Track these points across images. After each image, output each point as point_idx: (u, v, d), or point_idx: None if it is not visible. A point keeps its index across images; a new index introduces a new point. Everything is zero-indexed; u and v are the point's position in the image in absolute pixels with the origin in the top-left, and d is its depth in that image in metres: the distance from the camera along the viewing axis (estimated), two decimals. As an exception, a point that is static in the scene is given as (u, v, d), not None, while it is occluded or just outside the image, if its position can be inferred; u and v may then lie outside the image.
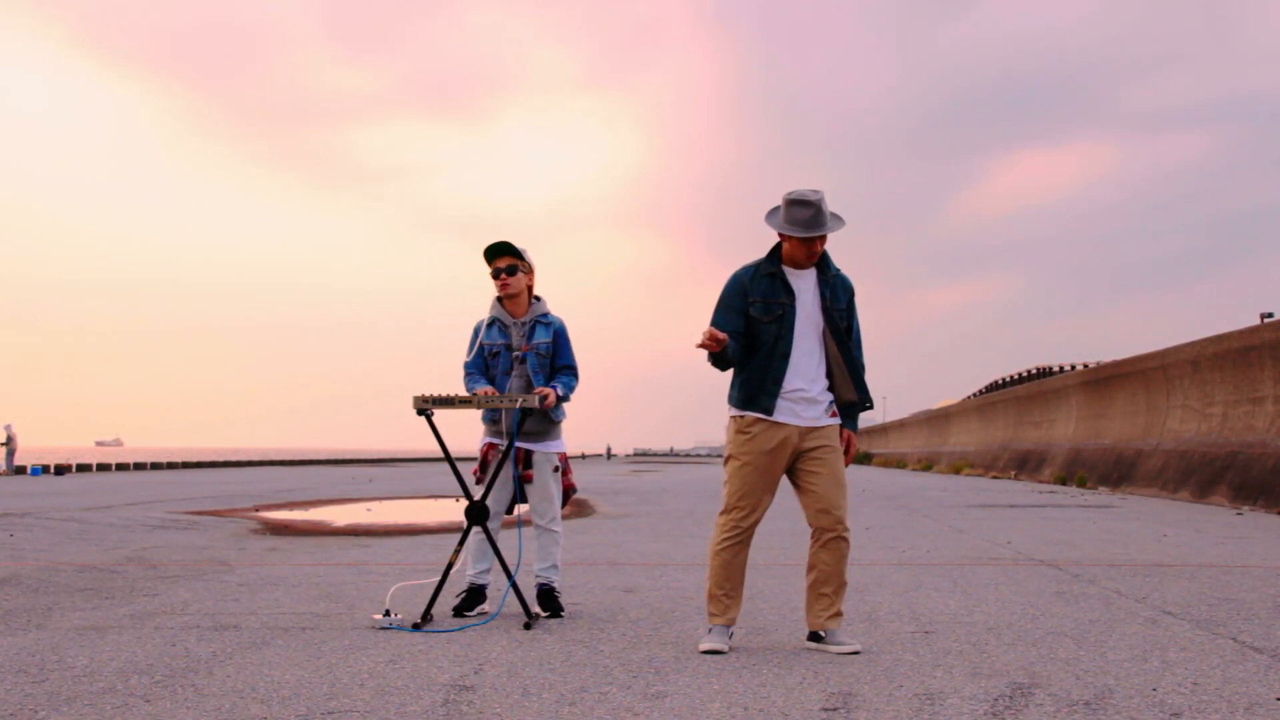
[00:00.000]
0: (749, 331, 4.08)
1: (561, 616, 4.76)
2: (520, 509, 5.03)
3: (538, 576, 4.89)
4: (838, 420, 4.14)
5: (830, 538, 4.04)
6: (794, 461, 4.08)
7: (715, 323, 4.10)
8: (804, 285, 4.11)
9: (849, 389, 4.13)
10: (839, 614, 4.04)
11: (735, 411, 4.13)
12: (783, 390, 4.03)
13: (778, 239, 4.12)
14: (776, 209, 4.07)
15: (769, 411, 4.03)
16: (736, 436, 4.09)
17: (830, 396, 4.12)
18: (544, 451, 4.91)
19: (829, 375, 4.12)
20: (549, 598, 4.82)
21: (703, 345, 3.91)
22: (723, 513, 4.08)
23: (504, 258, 4.85)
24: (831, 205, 4.04)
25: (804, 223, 3.96)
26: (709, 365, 4.10)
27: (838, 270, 4.19)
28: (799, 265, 4.09)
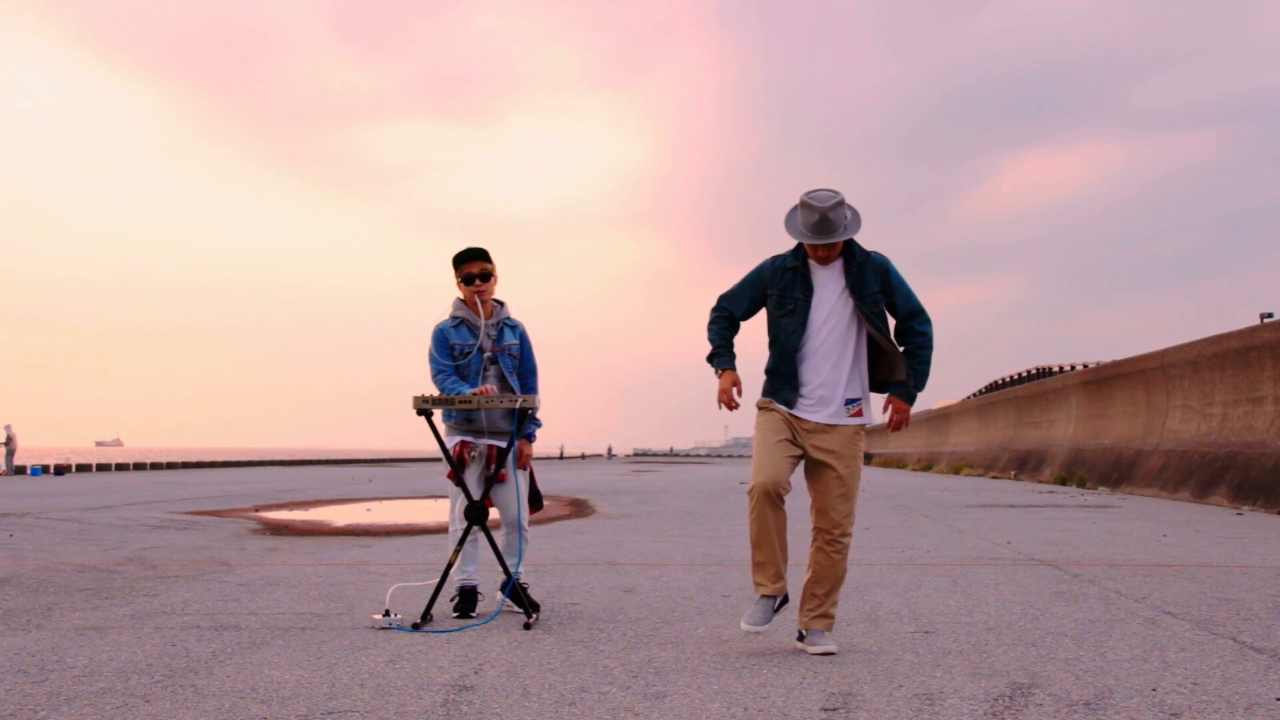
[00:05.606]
0: (768, 324, 4.14)
1: (537, 613, 4.70)
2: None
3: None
4: (860, 420, 4.06)
5: (826, 540, 4.05)
6: (809, 453, 4.03)
7: (728, 293, 4.21)
8: (827, 279, 4.07)
9: (899, 370, 4.06)
10: (826, 616, 4.03)
11: (761, 399, 4.16)
12: (800, 387, 4.03)
13: None
14: (796, 208, 4.03)
15: (790, 405, 4.04)
16: (758, 415, 4.13)
17: (849, 395, 4.04)
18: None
19: (872, 363, 4.11)
20: (518, 593, 4.80)
21: (726, 404, 4.06)
22: (750, 485, 4.04)
23: (477, 263, 4.86)
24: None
25: (811, 227, 3.94)
26: (709, 365, 4.20)
27: (866, 254, 4.09)
28: (819, 261, 4.08)
